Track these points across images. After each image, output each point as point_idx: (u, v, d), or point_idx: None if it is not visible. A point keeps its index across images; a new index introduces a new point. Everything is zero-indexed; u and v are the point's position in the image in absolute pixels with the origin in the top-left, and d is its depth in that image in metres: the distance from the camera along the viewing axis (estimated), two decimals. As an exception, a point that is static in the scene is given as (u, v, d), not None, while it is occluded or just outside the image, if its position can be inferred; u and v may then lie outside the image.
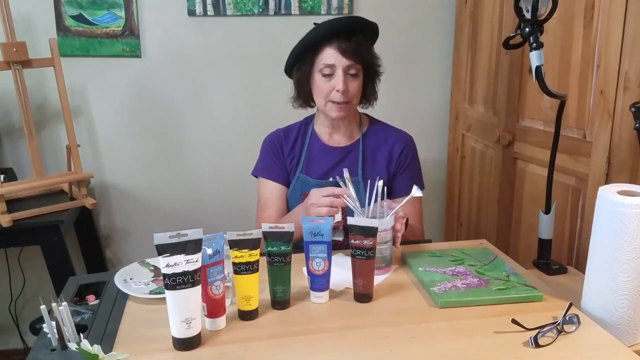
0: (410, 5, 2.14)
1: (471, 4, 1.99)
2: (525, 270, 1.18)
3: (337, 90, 1.33)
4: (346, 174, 1.24)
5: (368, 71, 1.39)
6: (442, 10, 2.16)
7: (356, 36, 1.34)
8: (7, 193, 1.66)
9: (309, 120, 1.52)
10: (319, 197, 1.20)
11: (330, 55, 1.33)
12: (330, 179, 1.42)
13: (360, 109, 1.51)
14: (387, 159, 1.45)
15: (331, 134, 1.48)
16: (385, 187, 1.19)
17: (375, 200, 1.18)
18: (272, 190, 1.47)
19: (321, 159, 1.46)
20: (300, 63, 1.40)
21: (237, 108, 2.15)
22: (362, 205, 1.19)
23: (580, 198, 1.40)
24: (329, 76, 1.34)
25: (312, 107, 1.48)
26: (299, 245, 1.11)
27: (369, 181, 1.18)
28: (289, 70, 1.45)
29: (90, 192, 1.96)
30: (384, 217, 1.15)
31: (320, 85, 1.36)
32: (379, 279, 1.12)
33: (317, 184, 1.42)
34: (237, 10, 2.03)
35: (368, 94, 1.44)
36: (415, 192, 1.16)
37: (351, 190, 1.20)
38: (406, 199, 1.17)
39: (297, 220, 1.10)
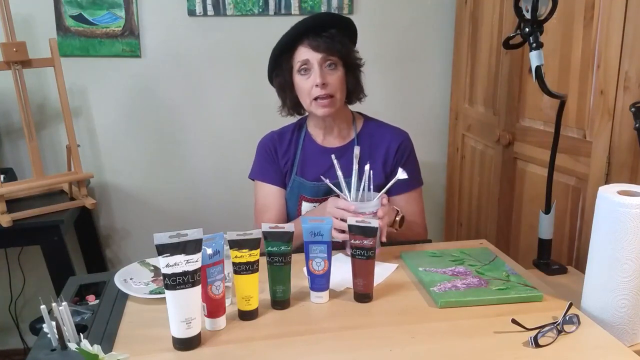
0: (410, 5, 2.14)
1: (471, 4, 1.99)
2: (525, 270, 1.18)
3: (317, 85, 1.32)
4: (356, 151, 1.24)
5: (347, 64, 1.38)
6: (442, 10, 2.16)
7: (327, 31, 1.34)
8: (7, 193, 1.66)
9: (303, 121, 1.51)
10: (332, 209, 1.20)
11: (303, 53, 1.34)
12: (326, 178, 1.41)
13: (353, 108, 1.50)
14: (383, 158, 1.44)
15: (324, 134, 1.46)
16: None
17: (364, 189, 1.20)
18: (268, 193, 1.47)
19: (316, 160, 1.45)
20: (278, 69, 1.40)
21: (237, 108, 2.15)
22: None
23: (580, 198, 1.40)
24: (307, 74, 1.34)
25: (301, 114, 1.47)
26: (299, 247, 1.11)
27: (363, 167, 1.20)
28: (271, 78, 1.45)
29: (90, 192, 1.96)
30: (371, 200, 1.17)
31: (300, 85, 1.36)
32: (378, 278, 1.12)
33: (313, 186, 1.41)
34: (237, 10, 2.03)
35: (351, 88, 1.41)
36: (400, 174, 1.18)
37: (345, 192, 1.22)
38: (392, 182, 1.18)
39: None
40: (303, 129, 1.49)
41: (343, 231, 1.15)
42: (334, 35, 1.34)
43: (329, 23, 1.36)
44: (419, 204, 1.47)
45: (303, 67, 1.34)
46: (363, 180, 1.20)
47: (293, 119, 1.51)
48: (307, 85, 1.34)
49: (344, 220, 1.11)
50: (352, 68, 1.40)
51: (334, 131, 1.45)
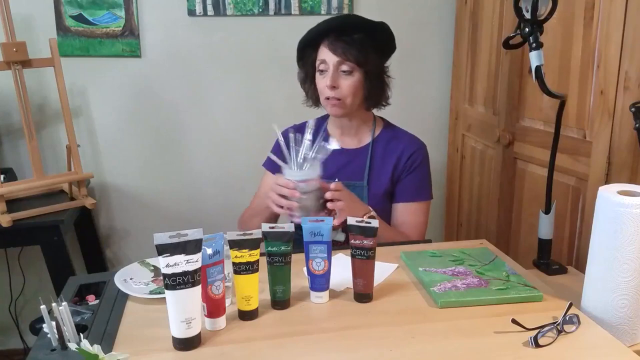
0: (410, 5, 2.14)
1: (471, 4, 1.99)
2: (525, 270, 1.18)
3: (327, 86, 1.35)
4: (335, 145, 1.31)
5: (366, 70, 1.37)
6: (442, 10, 2.16)
7: (350, 34, 1.34)
8: (7, 193, 1.66)
9: (324, 118, 1.53)
10: (273, 185, 1.25)
11: (323, 52, 1.36)
12: (337, 180, 1.42)
13: (375, 112, 1.51)
14: (394, 165, 1.44)
15: (341, 135, 1.48)
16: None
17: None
18: (269, 183, 1.48)
19: (328, 159, 1.44)
20: (302, 60, 1.44)
21: (237, 108, 2.15)
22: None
23: (580, 198, 1.40)
24: (324, 73, 1.37)
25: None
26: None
27: None
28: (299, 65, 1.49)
29: (90, 192, 1.96)
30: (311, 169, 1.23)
31: (317, 82, 1.40)
32: (378, 278, 1.11)
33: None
34: (237, 10, 2.03)
35: (369, 95, 1.40)
36: (334, 144, 1.25)
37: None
38: (317, 145, 1.24)
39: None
40: (322, 127, 1.49)
41: (281, 206, 1.24)
42: (356, 40, 1.34)
43: (352, 26, 1.36)
44: (421, 217, 1.46)
45: (321, 65, 1.37)
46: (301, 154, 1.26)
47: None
48: (321, 84, 1.38)
49: (284, 196, 1.22)
50: (370, 75, 1.38)
51: (351, 133, 1.47)
